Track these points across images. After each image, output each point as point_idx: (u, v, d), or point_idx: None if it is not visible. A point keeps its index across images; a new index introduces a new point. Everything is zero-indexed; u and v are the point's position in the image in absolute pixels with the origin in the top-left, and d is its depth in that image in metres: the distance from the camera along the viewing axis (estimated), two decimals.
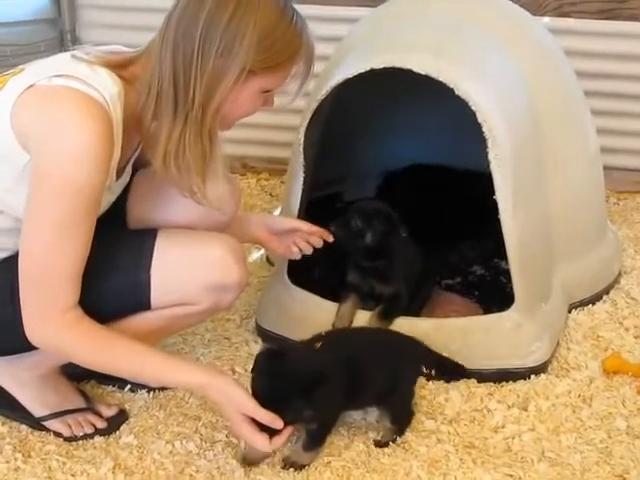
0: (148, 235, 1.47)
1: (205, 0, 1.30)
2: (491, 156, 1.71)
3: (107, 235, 1.35)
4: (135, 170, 1.54)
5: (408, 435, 1.57)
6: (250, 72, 1.32)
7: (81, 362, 1.43)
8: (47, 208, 1.28)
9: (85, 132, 1.26)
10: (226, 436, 1.56)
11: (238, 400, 1.35)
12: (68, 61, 1.35)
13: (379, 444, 1.54)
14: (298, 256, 1.73)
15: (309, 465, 1.48)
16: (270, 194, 2.83)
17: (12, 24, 2.92)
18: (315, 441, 1.48)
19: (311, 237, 1.71)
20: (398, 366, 1.56)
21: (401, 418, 1.57)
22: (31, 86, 1.29)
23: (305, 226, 1.71)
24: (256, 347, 1.86)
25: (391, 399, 1.55)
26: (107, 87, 1.31)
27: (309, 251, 1.72)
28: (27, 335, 1.35)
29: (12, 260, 1.37)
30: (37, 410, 1.56)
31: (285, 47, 1.35)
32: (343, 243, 1.76)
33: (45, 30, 3.09)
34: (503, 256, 1.79)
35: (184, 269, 1.44)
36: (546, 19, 2.75)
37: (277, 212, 2.41)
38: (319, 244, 1.72)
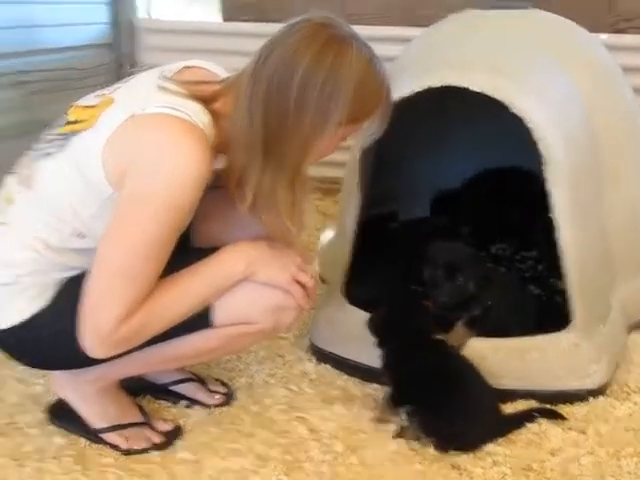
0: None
1: (302, 55, 1.29)
2: (547, 174, 1.69)
3: (174, 254, 1.37)
4: None
5: (463, 457, 1.54)
6: (339, 124, 1.34)
7: (159, 323, 1.39)
8: (142, 229, 1.30)
9: (192, 158, 1.28)
10: (280, 453, 1.56)
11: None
12: (158, 91, 1.36)
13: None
14: None
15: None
16: (324, 214, 2.84)
17: (74, 49, 3.03)
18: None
19: None
20: None
21: None
22: (131, 117, 1.32)
23: None
24: (310, 365, 1.88)
25: None
26: (199, 116, 1.34)
27: None
28: (90, 351, 1.35)
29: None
30: (96, 422, 1.59)
31: (373, 97, 1.37)
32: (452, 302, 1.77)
33: (105, 54, 3.20)
34: (559, 275, 1.76)
35: (247, 289, 1.46)
36: (603, 36, 2.73)
37: (330, 231, 2.42)
38: None
